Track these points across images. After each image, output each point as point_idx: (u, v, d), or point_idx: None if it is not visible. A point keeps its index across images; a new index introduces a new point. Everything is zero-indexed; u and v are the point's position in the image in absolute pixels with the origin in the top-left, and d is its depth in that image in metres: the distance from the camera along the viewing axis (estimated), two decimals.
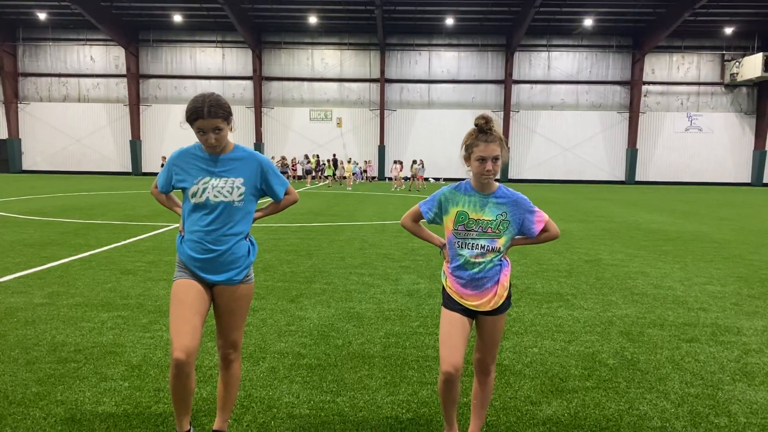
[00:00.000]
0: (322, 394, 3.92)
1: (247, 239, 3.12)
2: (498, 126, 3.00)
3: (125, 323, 5.44)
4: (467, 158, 3.02)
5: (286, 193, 3.23)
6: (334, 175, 37.08)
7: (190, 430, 3.11)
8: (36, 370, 4.24)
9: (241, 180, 3.01)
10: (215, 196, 2.97)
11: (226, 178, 2.99)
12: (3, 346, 4.72)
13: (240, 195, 3.01)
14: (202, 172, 3.00)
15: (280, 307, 6.12)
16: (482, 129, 2.95)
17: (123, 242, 10.34)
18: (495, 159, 2.95)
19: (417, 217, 3.26)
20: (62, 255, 8.92)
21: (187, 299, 2.97)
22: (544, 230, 3.09)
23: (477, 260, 3.00)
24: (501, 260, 3.06)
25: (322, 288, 7.04)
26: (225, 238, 3.00)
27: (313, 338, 5.11)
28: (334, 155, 40.68)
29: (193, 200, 2.99)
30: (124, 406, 3.66)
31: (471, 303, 3.02)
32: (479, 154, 2.95)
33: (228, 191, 2.98)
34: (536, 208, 3.08)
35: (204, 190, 2.97)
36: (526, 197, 3.08)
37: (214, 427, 3.21)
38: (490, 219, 3.00)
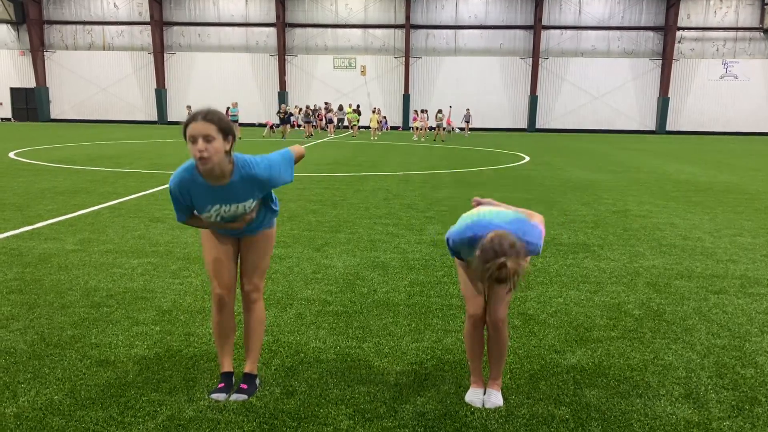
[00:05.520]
0: (348, 340, 3.98)
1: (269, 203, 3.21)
2: (516, 264, 2.60)
3: (155, 269, 5.56)
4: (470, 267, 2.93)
5: (295, 161, 3.13)
6: (338, 125, 36.52)
7: (233, 371, 3.25)
8: (71, 313, 4.37)
9: (250, 200, 3.00)
10: (230, 218, 3.02)
11: (236, 204, 2.97)
12: (39, 291, 4.87)
13: (251, 207, 3.04)
14: (209, 202, 2.94)
15: (306, 256, 6.18)
16: (500, 279, 2.63)
17: (151, 190, 10.47)
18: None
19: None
20: (92, 203, 9.08)
21: (218, 243, 3.14)
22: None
23: None
24: None
25: (347, 237, 7.08)
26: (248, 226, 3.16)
27: (338, 286, 5.17)
28: (325, 104, 39.40)
29: (209, 219, 3.05)
30: (156, 350, 3.77)
31: None
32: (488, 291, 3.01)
33: (241, 212, 3.02)
34: (539, 242, 2.95)
35: (216, 215, 2.99)
36: (535, 240, 2.92)
37: (245, 371, 3.30)
38: None
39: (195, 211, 3.03)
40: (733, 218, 8.78)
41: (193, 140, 2.72)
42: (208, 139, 2.72)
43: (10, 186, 10.65)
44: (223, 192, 2.91)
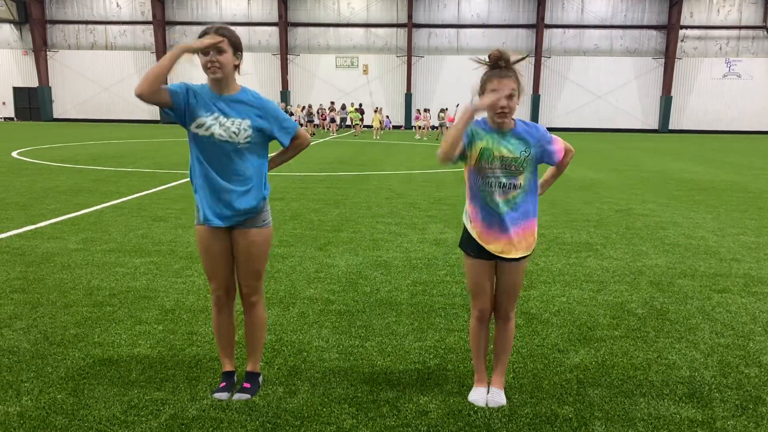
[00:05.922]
0: (351, 339, 3.98)
1: (261, 187, 3.08)
2: (515, 57, 2.85)
3: (158, 269, 5.56)
4: (481, 96, 2.88)
5: (295, 138, 3.14)
6: (341, 124, 36.52)
7: (234, 370, 3.27)
8: (73, 312, 4.37)
9: (248, 122, 2.97)
10: (220, 135, 2.92)
11: (233, 118, 2.95)
12: (42, 290, 4.87)
13: (247, 137, 2.96)
14: (210, 109, 2.95)
15: (308, 255, 6.18)
16: (496, 63, 2.84)
17: (153, 190, 10.48)
18: (509, 96, 2.81)
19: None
20: (94, 202, 9.08)
21: (211, 245, 3.08)
22: (564, 154, 3.08)
23: (499, 199, 2.92)
24: (529, 205, 3.00)
25: (349, 236, 7.08)
26: (234, 184, 2.99)
27: (341, 285, 5.16)
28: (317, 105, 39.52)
29: (198, 131, 2.94)
30: (159, 349, 3.77)
31: (492, 247, 2.99)
32: (492, 89, 2.81)
33: (234, 132, 2.94)
34: (552, 136, 3.02)
35: (211, 125, 2.93)
36: (542, 128, 3.02)
37: (247, 369, 3.31)
38: (515, 156, 2.91)
39: (193, 116, 2.95)
40: (737, 217, 8.76)
41: (205, 52, 2.88)
42: (219, 50, 2.88)
43: (13, 185, 10.66)
44: (226, 103, 2.97)
